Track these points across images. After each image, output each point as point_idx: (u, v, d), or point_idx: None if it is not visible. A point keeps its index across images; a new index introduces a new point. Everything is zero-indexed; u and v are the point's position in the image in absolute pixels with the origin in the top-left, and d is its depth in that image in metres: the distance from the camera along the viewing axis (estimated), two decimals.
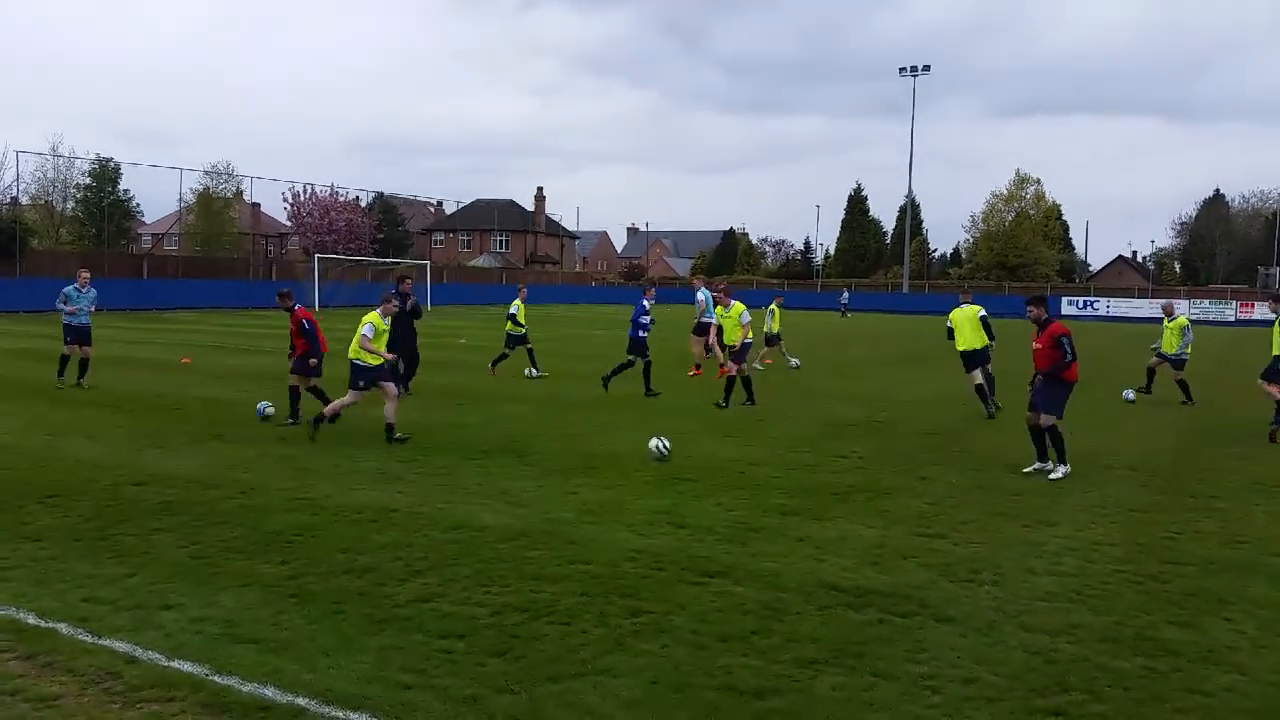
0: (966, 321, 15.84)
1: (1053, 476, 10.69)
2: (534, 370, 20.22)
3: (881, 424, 14.77)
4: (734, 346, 16.45)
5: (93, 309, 17.66)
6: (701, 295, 20.94)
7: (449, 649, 5.57)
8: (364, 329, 12.10)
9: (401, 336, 15.05)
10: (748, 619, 6.19)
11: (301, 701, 4.84)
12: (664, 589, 6.73)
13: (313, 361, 13.40)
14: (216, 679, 5.08)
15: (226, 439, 12.14)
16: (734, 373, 16.05)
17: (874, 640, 5.88)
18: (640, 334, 17.27)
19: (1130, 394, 17.99)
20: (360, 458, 11.09)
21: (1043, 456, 11.00)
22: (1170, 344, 18.06)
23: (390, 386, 12.43)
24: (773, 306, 23.18)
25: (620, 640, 5.77)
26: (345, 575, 6.86)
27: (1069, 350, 10.80)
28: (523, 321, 20.25)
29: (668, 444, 11.05)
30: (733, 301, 16.67)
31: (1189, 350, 18.03)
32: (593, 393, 17.23)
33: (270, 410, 13.67)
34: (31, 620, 5.86)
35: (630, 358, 17.31)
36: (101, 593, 6.38)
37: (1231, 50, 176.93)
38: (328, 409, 12.55)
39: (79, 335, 17.28)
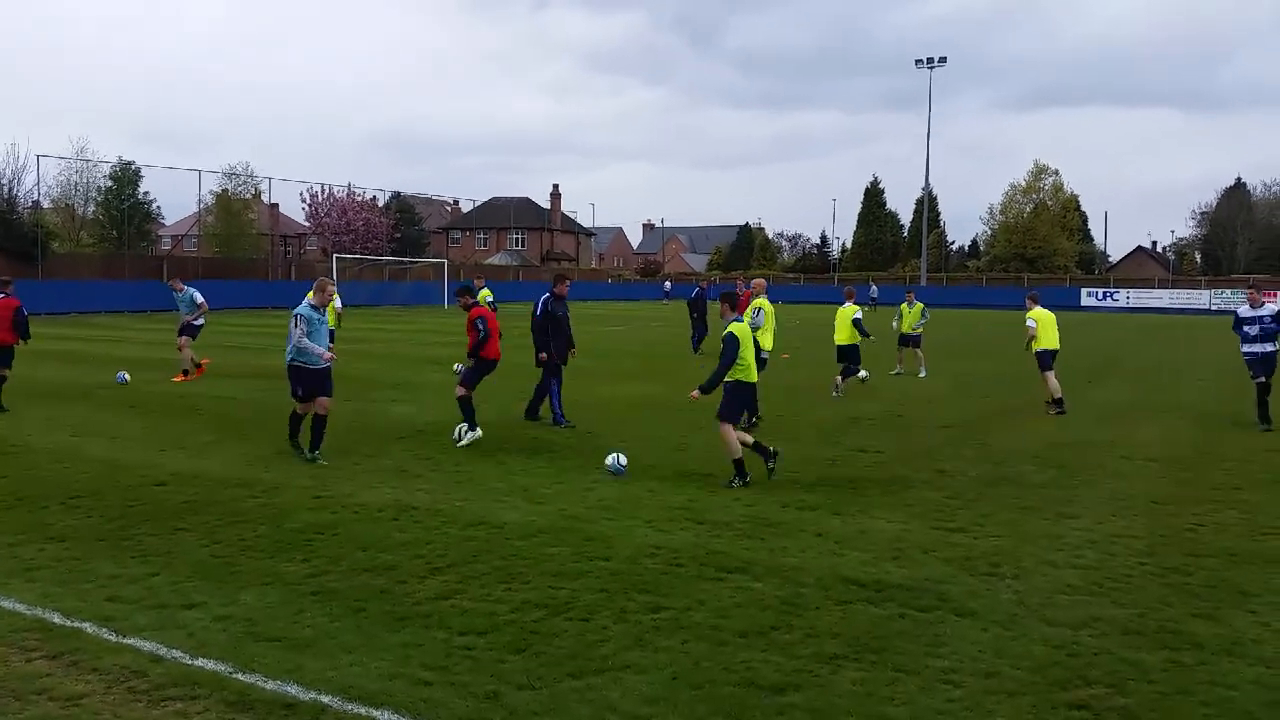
0: (843, 320, 17.44)
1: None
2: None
3: (901, 418, 14.71)
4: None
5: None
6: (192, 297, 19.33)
7: (469, 646, 5.59)
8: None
9: (558, 340, 14.16)
10: (767, 614, 6.18)
11: (324, 699, 4.87)
12: (683, 585, 6.74)
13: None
14: (239, 677, 5.12)
15: (247, 438, 12.22)
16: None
17: (894, 635, 5.86)
18: (1266, 349, 14.17)
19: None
20: (380, 456, 11.14)
21: None
22: (764, 341, 14.83)
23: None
24: (903, 306, 21.83)
25: (640, 636, 5.78)
26: (366, 573, 6.90)
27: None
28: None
29: (624, 460, 10.42)
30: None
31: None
32: (609, 389, 17.23)
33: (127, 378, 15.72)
34: (57, 619, 5.92)
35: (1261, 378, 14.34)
36: (125, 592, 6.44)
37: (1252, 39, 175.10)
38: None
39: (317, 382, 10.89)
